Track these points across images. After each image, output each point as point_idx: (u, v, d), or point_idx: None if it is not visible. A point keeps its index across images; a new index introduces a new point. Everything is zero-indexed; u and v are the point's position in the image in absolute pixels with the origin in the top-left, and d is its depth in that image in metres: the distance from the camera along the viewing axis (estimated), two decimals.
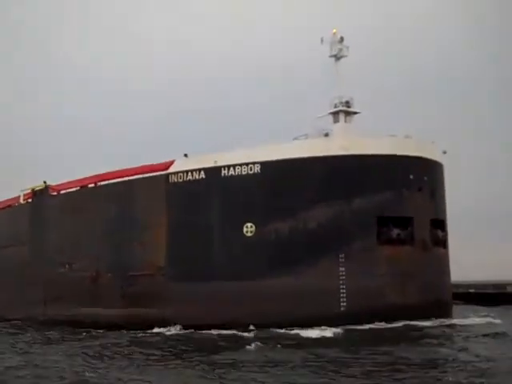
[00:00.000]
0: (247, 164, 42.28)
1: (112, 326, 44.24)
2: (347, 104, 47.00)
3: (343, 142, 41.79)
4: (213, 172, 43.34)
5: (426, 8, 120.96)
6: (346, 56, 48.09)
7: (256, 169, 42.08)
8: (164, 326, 42.00)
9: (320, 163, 41.18)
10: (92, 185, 52.08)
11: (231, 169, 42.75)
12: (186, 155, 45.35)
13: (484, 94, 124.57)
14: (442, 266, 44.28)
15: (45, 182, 56.94)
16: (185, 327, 41.09)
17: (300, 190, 41.25)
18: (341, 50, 48.00)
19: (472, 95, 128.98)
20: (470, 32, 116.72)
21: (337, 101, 47.05)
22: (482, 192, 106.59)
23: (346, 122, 46.86)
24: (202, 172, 43.80)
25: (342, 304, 39.69)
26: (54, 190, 55.96)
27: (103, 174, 51.13)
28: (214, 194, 43.36)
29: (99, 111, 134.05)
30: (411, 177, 41.92)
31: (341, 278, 39.91)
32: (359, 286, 39.37)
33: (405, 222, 41.71)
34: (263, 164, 41.95)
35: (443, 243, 44.60)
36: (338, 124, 46.65)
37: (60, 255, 52.51)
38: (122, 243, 47.26)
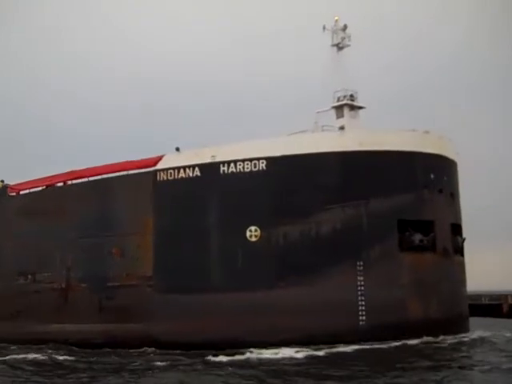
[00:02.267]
0: (251, 160, 37.33)
1: (85, 344, 38.67)
2: (351, 98, 42.95)
3: (360, 137, 37.43)
4: (210, 169, 38.20)
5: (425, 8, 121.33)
6: (349, 45, 44.17)
7: (261, 165, 37.20)
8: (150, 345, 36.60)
9: (335, 159, 36.79)
10: (61, 184, 45.95)
11: (232, 165, 37.71)
12: (177, 149, 39.96)
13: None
14: (461, 275, 40.58)
15: (2, 181, 50.53)
16: (176, 346, 35.61)
17: (312, 190, 36.58)
18: (343, 38, 44.08)
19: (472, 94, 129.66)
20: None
21: (340, 94, 42.95)
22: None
23: (350, 117, 42.69)
24: (197, 169, 38.61)
25: (360, 318, 35.21)
26: (13, 189, 49.42)
27: (75, 172, 45.02)
28: (211, 194, 38.29)
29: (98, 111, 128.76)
30: (432, 176, 38.03)
31: (359, 288, 35.48)
32: (380, 297, 34.99)
33: (426, 227, 37.67)
34: (269, 160, 37.11)
35: (461, 250, 40.84)
36: (342, 119, 42.42)
37: (20, 265, 45.98)
38: (99, 250, 41.36)
